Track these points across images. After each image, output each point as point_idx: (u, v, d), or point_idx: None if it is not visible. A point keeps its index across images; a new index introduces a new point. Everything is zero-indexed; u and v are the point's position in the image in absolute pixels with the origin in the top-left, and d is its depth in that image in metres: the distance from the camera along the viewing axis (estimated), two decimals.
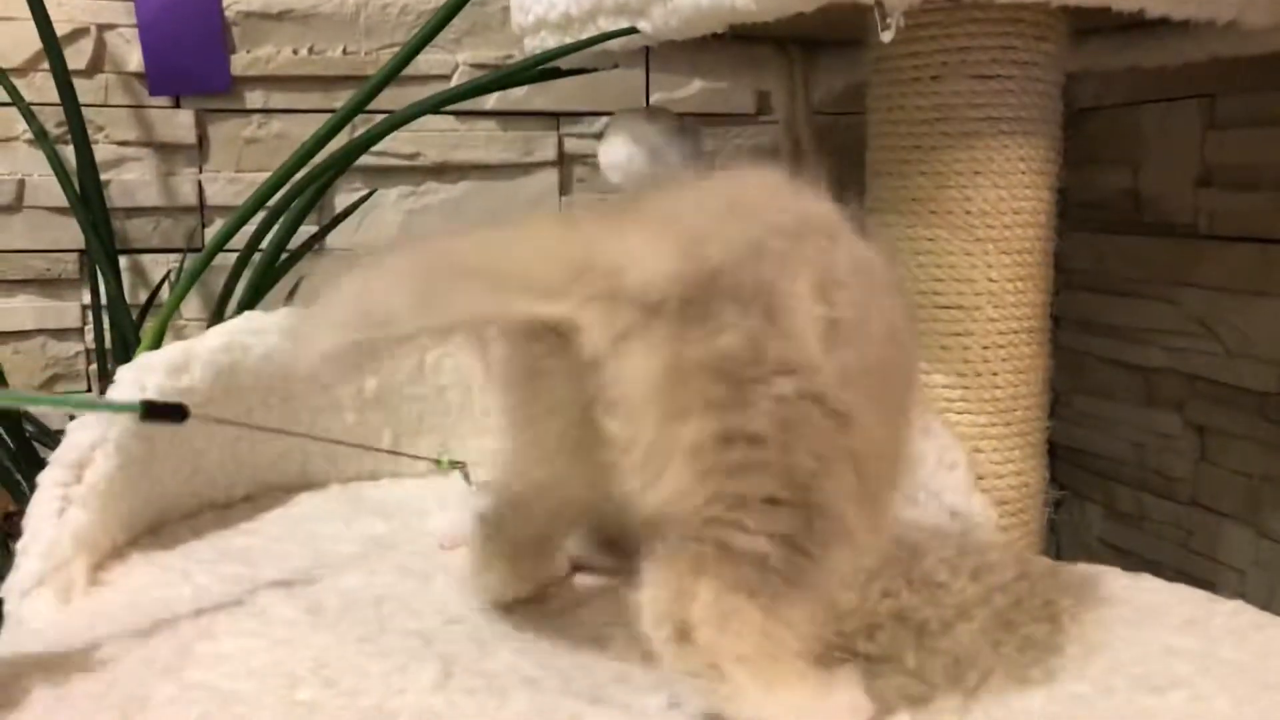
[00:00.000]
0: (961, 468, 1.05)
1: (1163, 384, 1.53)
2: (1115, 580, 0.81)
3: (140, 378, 0.89)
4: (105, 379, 1.53)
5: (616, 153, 1.30)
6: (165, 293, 1.60)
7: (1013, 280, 1.14)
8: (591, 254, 0.57)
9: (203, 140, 1.62)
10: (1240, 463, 1.41)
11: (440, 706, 0.62)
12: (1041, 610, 0.75)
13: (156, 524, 0.92)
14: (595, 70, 1.39)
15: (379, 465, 1.06)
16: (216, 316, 1.38)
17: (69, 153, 1.46)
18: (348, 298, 0.62)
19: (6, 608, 0.78)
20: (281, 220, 1.38)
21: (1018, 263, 1.14)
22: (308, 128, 1.63)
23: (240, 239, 1.34)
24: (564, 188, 1.72)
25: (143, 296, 1.59)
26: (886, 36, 0.99)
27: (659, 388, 0.55)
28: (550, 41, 1.30)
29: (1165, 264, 1.50)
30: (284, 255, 1.46)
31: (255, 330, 0.99)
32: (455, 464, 0.77)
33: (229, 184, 1.63)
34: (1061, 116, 1.17)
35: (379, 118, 1.47)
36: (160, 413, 0.76)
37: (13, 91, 1.47)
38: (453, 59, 1.66)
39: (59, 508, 0.81)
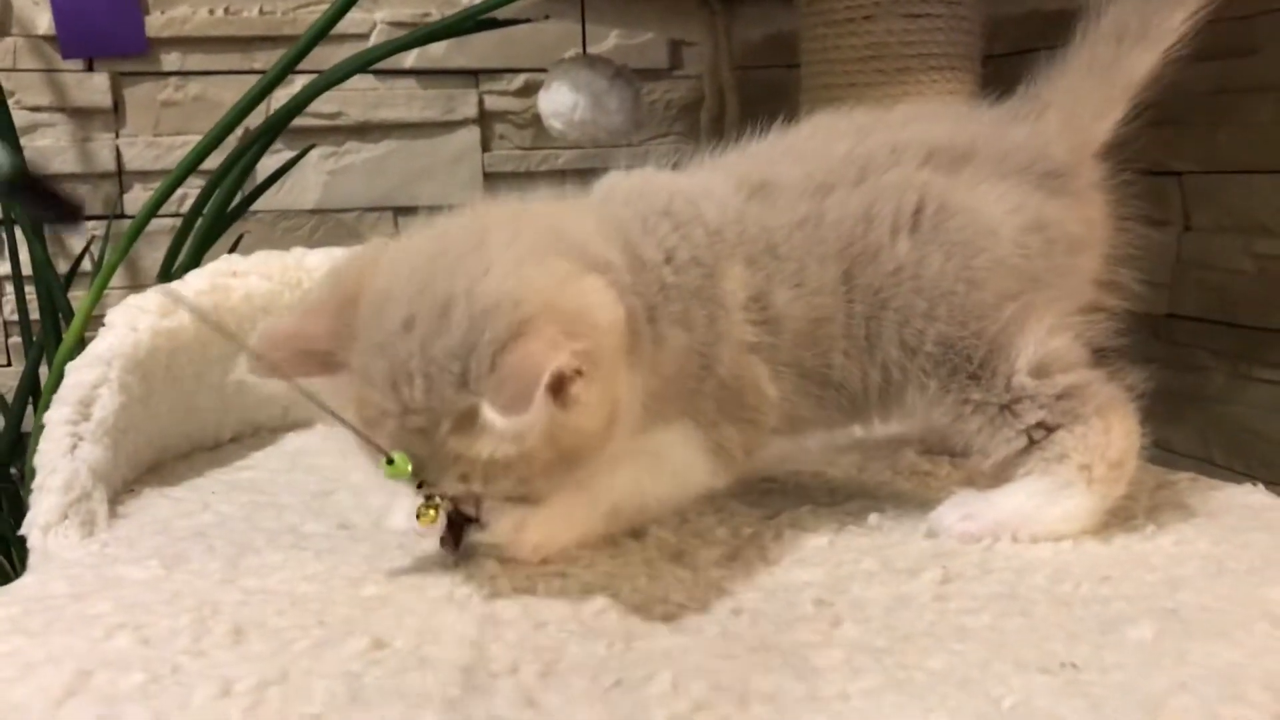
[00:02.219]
0: None
1: None
2: None
3: (133, 318, 0.89)
4: (30, 350, 1.49)
5: (559, 100, 1.33)
6: (86, 260, 1.57)
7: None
8: None
9: (119, 104, 1.59)
10: (1138, 383, 1.52)
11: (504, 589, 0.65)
12: None
13: (156, 464, 0.92)
14: (529, 21, 1.42)
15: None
16: (164, 277, 1.37)
17: None
18: None
19: (30, 543, 0.78)
20: (224, 183, 1.37)
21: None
22: (226, 90, 1.62)
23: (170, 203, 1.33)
24: (485, 145, 1.74)
25: (62, 266, 1.56)
26: None
27: None
28: None
29: None
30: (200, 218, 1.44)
31: (234, 273, 1.00)
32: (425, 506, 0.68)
33: (147, 148, 1.60)
34: (981, 54, 1.25)
35: (298, 79, 1.47)
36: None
37: None
38: (370, 18, 1.66)
39: (71, 444, 0.81)
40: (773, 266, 0.75)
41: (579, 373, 0.59)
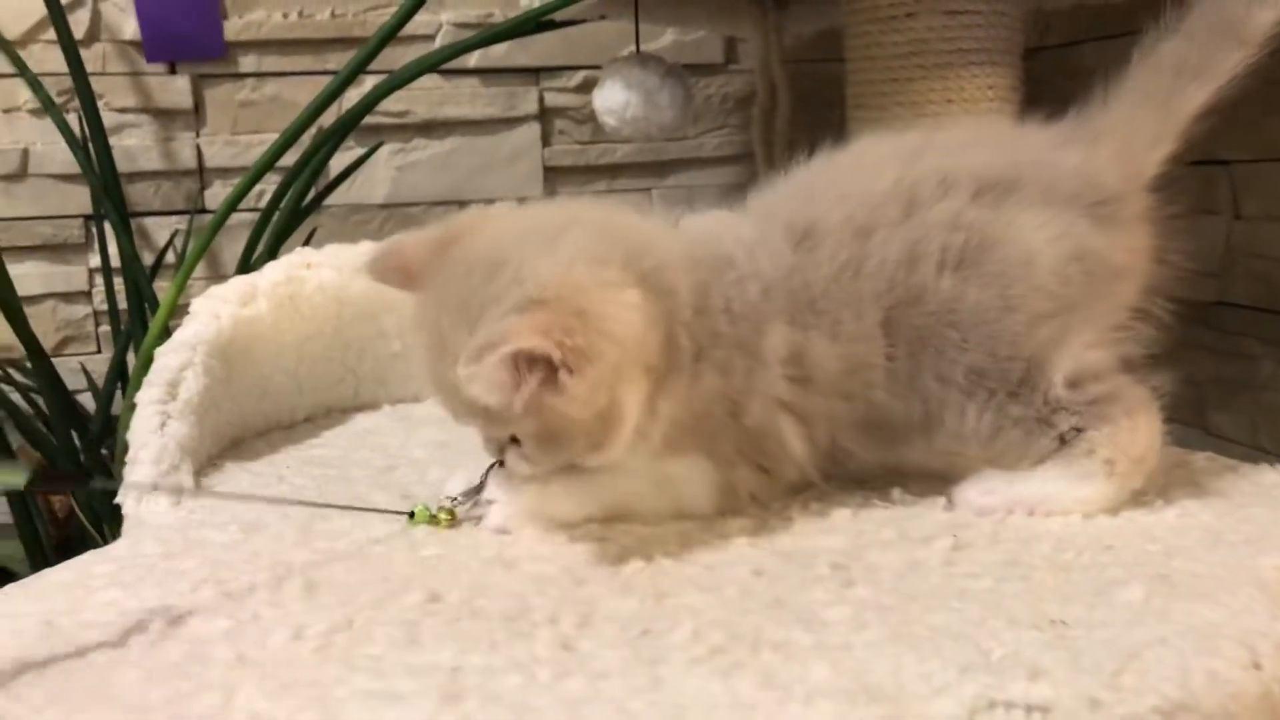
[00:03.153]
0: None
1: None
2: None
3: (215, 307, 0.97)
4: (118, 338, 1.59)
5: (612, 98, 1.39)
6: (170, 253, 1.66)
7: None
8: None
9: (199, 105, 1.68)
10: (1189, 371, 1.54)
11: (548, 552, 0.72)
12: None
13: (237, 440, 1.00)
14: (584, 21, 1.48)
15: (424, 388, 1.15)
16: (243, 268, 1.45)
17: (69, 122, 1.52)
18: None
19: (125, 510, 0.86)
20: (300, 179, 1.46)
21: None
22: (300, 90, 1.70)
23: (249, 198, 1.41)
24: (545, 140, 1.80)
25: (147, 258, 1.65)
26: None
27: None
28: None
29: None
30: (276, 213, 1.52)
31: (308, 264, 1.07)
32: (435, 515, 0.78)
33: (226, 146, 1.69)
34: (1022, 49, 1.28)
35: (368, 79, 1.55)
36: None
37: (18, 62, 1.52)
38: (436, 19, 1.73)
39: (160, 422, 0.89)
40: (811, 321, 0.77)
41: (566, 365, 0.66)
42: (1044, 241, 0.77)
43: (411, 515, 0.78)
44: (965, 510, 0.79)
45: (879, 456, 0.82)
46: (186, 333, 0.95)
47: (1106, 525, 0.76)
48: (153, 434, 0.88)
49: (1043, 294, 0.77)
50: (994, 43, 1.23)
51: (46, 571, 0.72)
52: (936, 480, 0.83)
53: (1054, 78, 1.68)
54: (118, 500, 0.87)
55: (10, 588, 0.70)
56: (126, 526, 0.85)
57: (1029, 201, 0.78)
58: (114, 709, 0.54)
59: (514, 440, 0.75)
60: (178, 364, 0.92)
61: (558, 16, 1.39)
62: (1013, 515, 0.77)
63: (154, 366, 0.93)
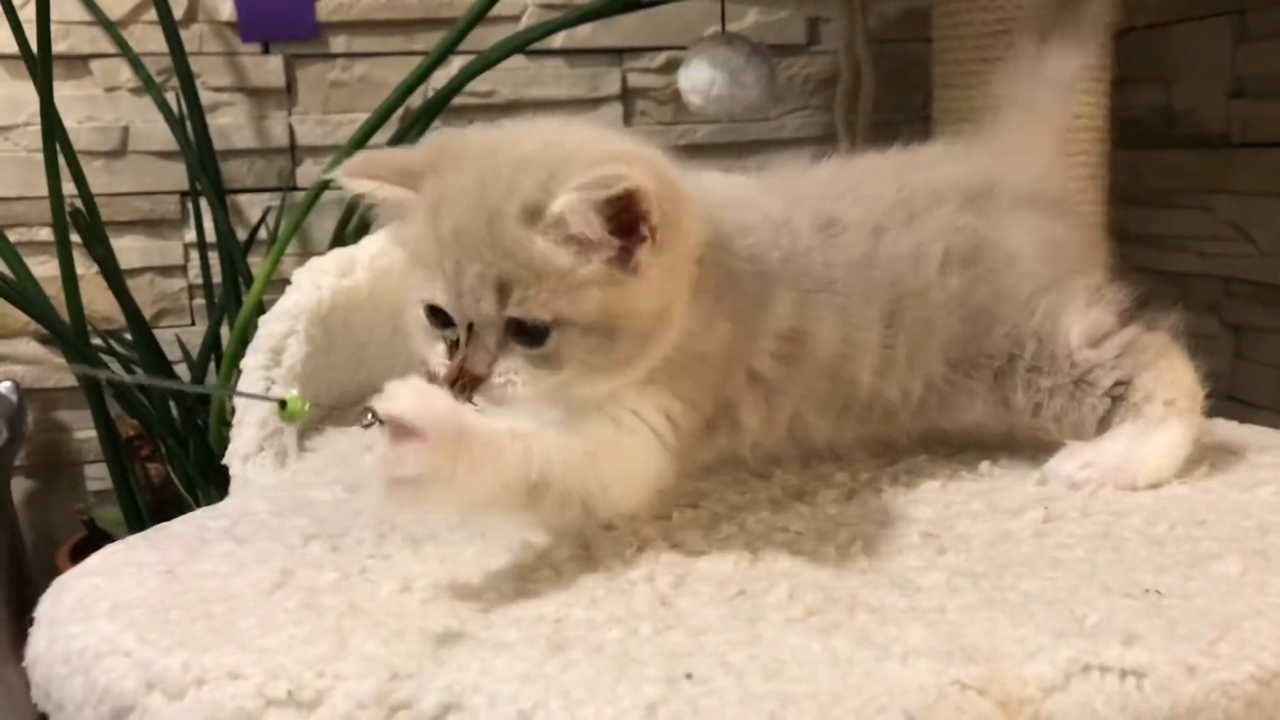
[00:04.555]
0: None
1: (1198, 287, 1.63)
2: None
3: (315, 278, 1.00)
4: (212, 312, 1.64)
5: (698, 77, 1.40)
6: (262, 229, 1.70)
7: (1074, 181, 1.25)
8: None
9: (291, 84, 1.72)
10: (1274, 356, 1.52)
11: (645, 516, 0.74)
12: None
13: (336, 406, 1.03)
14: (670, 1, 1.49)
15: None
16: (336, 243, 1.49)
17: (167, 101, 1.57)
18: None
19: (232, 471, 0.89)
20: None
21: (1079, 164, 1.25)
22: (389, 70, 1.73)
23: None
24: (627, 120, 1.82)
25: (241, 234, 1.69)
26: None
27: None
28: None
29: (1198, 173, 1.60)
30: None
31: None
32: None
33: (317, 125, 1.73)
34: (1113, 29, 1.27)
35: (455, 60, 1.57)
36: None
37: (122, 43, 1.57)
38: (522, 0, 1.75)
39: (264, 387, 0.92)
40: (824, 300, 0.78)
41: (654, 234, 0.64)
42: (1023, 235, 0.86)
43: (283, 405, 0.64)
44: (1057, 484, 0.79)
45: (843, 435, 0.84)
46: (289, 301, 0.98)
47: (1200, 501, 0.76)
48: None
49: (1030, 279, 0.85)
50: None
51: (164, 525, 0.76)
52: (1025, 454, 0.84)
53: (1142, 59, 1.66)
54: (224, 462, 0.90)
55: (133, 538, 0.73)
56: (234, 487, 0.89)
57: (1005, 206, 0.87)
58: (237, 650, 0.56)
59: (523, 341, 0.66)
60: (281, 331, 0.95)
61: None
62: (1104, 489, 0.78)
63: (259, 334, 0.96)
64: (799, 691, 0.51)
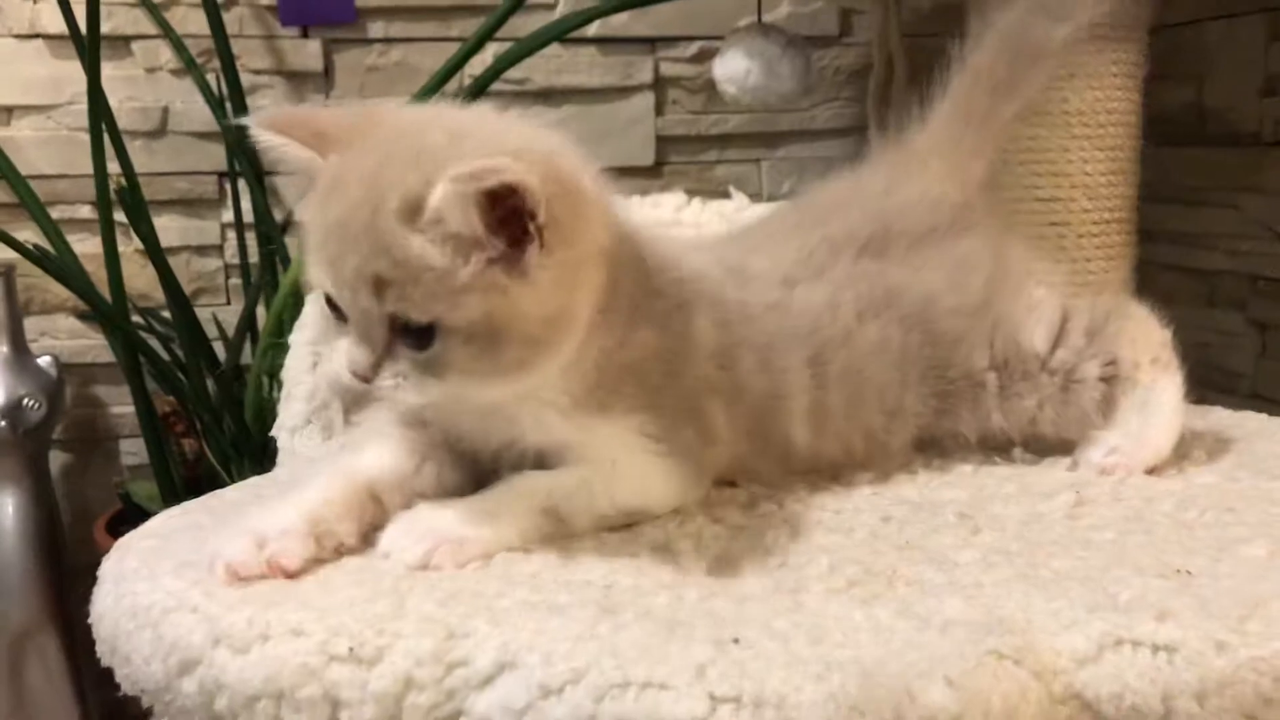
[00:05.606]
0: None
1: (1225, 285, 1.63)
2: (1225, 415, 0.94)
3: None
4: (248, 291, 1.66)
5: (734, 66, 1.42)
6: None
7: (1105, 174, 1.26)
8: None
9: (329, 69, 1.74)
10: None
11: None
12: None
13: None
14: None
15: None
16: None
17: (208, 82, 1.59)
18: None
19: (279, 443, 0.92)
20: None
21: (1110, 158, 1.26)
22: (425, 56, 1.75)
23: None
24: (659, 110, 1.84)
25: (278, 215, 1.72)
26: None
27: None
28: None
29: (1228, 172, 1.61)
30: None
31: None
32: None
33: None
34: (1147, 25, 1.28)
35: (489, 47, 1.59)
36: None
37: (164, 25, 1.59)
38: None
39: (312, 362, 0.95)
40: (744, 331, 0.77)
41: (541, 236, 0.60)
42: (933, 270, 0.85)
43: None
44: (1088, 470, 0.81)
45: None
46: None
47: (1228, 489, 0.77)
48: (305, 373, 0.94)
49: (956, 315, 0.85)
50: (1119, 18, 1.23)
51: (219, 491, 0.78)
52: (1055, 441, 0.86)
53: (1175, 56, 1.67)
54: (272, 434, 0.93)
55: (190, 503, 0.76)
56: (281, 457, 0.91)
57: (903, 248, 0.86)
58: (299, 608, 0.59)
59: (408, 343, 0.62)
60: None
61: None
62: (1133, 476, 0.79)
63: (306, 310, 0.99)
64: (843, 656, 0.53)
